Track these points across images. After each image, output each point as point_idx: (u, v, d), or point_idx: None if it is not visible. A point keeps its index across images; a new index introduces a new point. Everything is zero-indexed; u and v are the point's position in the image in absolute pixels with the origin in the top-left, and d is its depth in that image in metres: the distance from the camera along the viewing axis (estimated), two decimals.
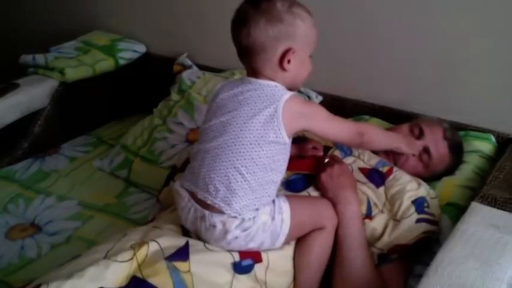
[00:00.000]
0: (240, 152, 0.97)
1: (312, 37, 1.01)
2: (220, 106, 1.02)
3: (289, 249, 1.07)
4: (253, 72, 1.01)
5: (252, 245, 1.00)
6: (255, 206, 0.98)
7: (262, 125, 0.97)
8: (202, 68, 1.86)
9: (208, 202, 0.98)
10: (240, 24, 0.98)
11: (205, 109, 1.07)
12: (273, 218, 1.00)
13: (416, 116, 1.51)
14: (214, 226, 0.98)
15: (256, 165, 0.97)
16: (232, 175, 0.97)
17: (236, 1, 1.00)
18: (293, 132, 1.02)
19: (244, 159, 0.97)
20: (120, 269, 0.92)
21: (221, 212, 0.97)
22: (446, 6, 1.41)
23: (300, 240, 1.08)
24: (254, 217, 0.98)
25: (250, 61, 1.00)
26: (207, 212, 0.98)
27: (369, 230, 1.12)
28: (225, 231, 0.97)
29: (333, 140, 1.17)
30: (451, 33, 1.43)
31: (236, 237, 0.98)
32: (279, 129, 0.97)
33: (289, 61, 0.98)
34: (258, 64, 0.99)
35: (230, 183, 0.97)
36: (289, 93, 0.99)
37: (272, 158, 0.99)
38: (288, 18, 0.96)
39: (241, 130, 0.97)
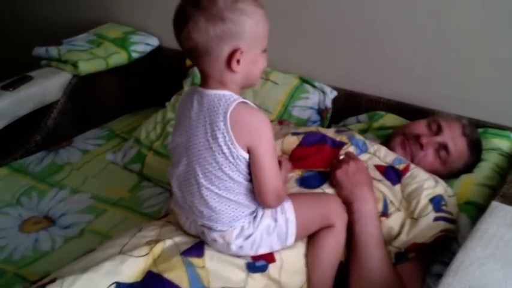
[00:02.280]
0: (205, 173, 0.92)
1: (262, 33, 0.90)
2: (179, 124, 0.97)
3: (302, 248, 1.05)
4: (203, 74, 0.92)
5: (262, 251, 0.99)
6: (244, 213, 0.96)
7: (216, 141, 0.89)
8: None
9: (199, 223, 0.97)
10: (180, 25, 0.87)
11: None
12: (275, 220, 0.98)
13: (433, 112, 1.50)
14: (215, 240, 0.97)
15: (226, 181, 0.92)
16: (207, 195, 0.93)
17: None
18: (246, 145, 0.90)
19: (211, 179, 0.92)
20: (135, 264, 0.92)
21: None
22: (465, 2, 1.39)
23: (310, 239, 1.06)
24: (254, 222, 0.97)
25: (197, 63, 0.91)
26: (205, 229, 0.98)
27: (386, 229, 1.11)
28: (227, 244, 0.97)
29: (255, 181, 0.93)
30: (469, 30, 1.41)
31: (241, 247, 0.97)
32: (231, 143, 0.89)
33: (238, 61, 0.88)
34: (205, 66, 0.90)
35: (208, 203, 0.94)
36: (236, 102, 0.89)
37: (239, 172, 0.92)
38: (231, 16, 0.85)
39: (199, 151, 0.91)
